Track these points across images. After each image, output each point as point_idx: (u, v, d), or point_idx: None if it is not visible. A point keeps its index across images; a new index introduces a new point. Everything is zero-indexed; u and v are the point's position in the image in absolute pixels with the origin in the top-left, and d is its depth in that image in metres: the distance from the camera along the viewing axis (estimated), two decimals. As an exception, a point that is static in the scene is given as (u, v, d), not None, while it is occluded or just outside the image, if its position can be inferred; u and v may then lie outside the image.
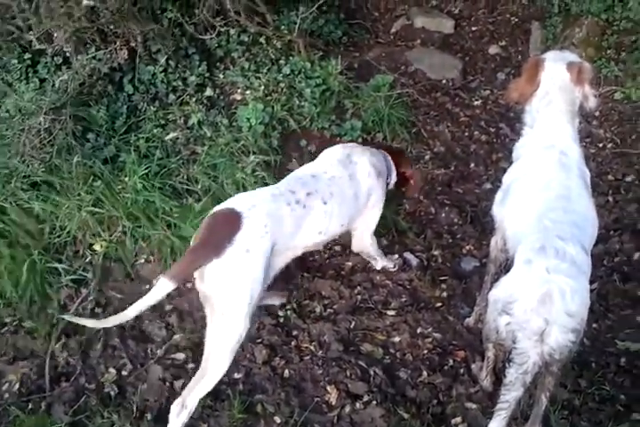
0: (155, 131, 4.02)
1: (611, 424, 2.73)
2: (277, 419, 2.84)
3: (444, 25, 6.22)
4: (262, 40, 4.78)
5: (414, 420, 2.81)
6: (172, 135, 4.03)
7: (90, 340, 3.12)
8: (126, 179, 3.62)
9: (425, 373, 3.05)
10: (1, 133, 3.67)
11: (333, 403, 2.89)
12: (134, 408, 2.85)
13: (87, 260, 3.45)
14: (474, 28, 6.32)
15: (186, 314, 3.28)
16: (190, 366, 3.02)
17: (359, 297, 3.46)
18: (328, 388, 2.94)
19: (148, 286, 3.29)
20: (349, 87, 4.76)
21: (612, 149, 4.85)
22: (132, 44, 4.20)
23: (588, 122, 4.97)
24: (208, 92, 4.40)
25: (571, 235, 2.44)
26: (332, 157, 3.18)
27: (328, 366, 3.03)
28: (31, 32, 3.92)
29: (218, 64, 4.68)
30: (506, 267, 2.89)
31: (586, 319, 2.35)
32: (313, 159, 3.26)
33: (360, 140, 4.46)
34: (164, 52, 4.33)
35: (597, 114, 5.09)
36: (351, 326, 3.27)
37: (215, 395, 2.84)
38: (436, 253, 3.85)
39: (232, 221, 2.53)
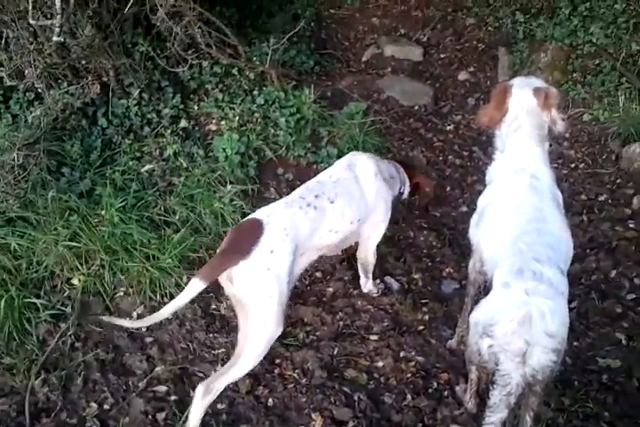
0: (130, 163, 4.01)
1: (596, 442, 2.75)
2: (263, 449, 2.81)
3: (413, 53, 6.38)
4: (235, 71, 4.85)
5: (401, 445, 2.79)
6: (147, 167, 4.03)
7: (70, 375, 3.06)
8: (103, 212, 3.60)
9: (409, 396, 3.03)
10: (-26, 170, 3.63)
11: (319, 430, 2.86)
12: (117, 443, 2.79)
13: (65, 294, 3.40)
14: (442, 56, 6.48)
15: (167, 346, 3.24)
16: (173, 398, 2.97)
17: (341, 323, 3.46)
18: (313, 415, 2.91)
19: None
20: (324, 115, 4.82)
21: (583, 169, 4.96)
22: (105, 79, 4.21)
23: (558, 144, 5.08)
24: (183, 123, 4.42)
25: (546, 257, 2.49)
26: (339, 163, 3.42)
27: (312, 393, 3.01)
28: (2, 68, 3.89)
29: (192, 96, 4.72)
30: (485, 289, 2.91)
31: (566, 339, 2.37)
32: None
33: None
34: (136, 86, 4.36)
35: (568, 136, 5.19)
36: (334, 353, 3.25)
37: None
38: (416, 276, 3.88)
39: (255, 228, 2.79)
